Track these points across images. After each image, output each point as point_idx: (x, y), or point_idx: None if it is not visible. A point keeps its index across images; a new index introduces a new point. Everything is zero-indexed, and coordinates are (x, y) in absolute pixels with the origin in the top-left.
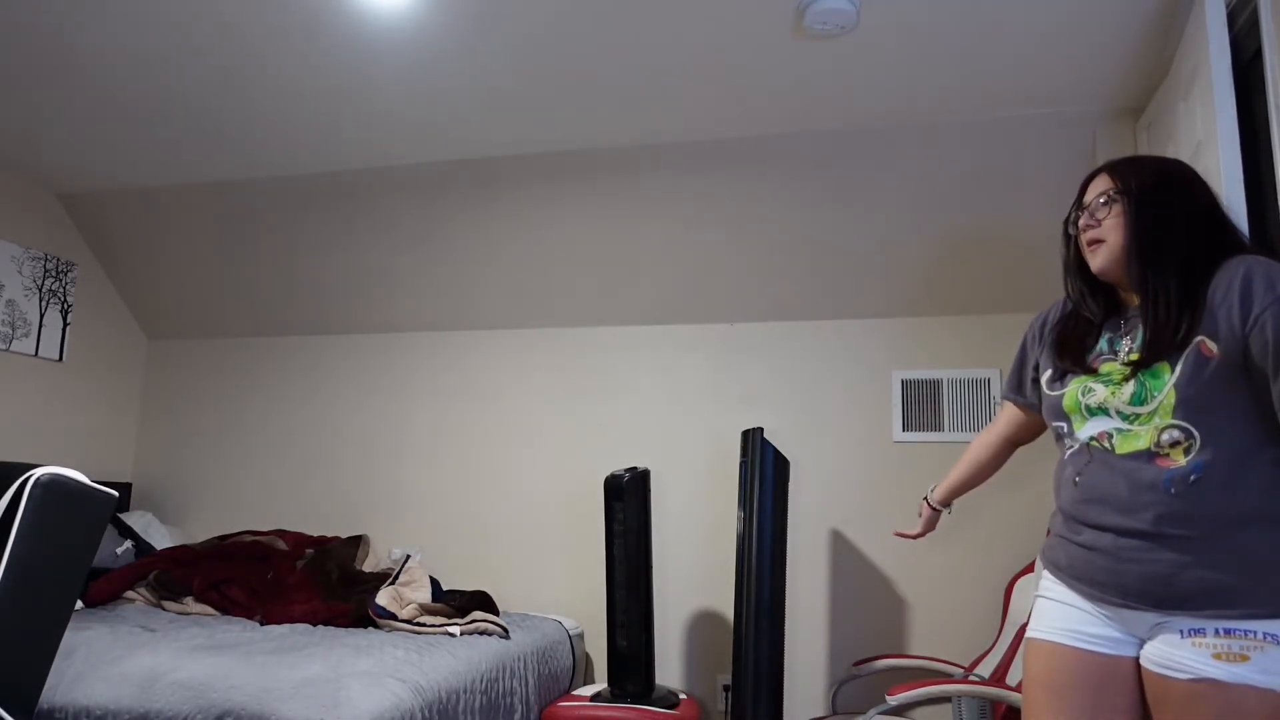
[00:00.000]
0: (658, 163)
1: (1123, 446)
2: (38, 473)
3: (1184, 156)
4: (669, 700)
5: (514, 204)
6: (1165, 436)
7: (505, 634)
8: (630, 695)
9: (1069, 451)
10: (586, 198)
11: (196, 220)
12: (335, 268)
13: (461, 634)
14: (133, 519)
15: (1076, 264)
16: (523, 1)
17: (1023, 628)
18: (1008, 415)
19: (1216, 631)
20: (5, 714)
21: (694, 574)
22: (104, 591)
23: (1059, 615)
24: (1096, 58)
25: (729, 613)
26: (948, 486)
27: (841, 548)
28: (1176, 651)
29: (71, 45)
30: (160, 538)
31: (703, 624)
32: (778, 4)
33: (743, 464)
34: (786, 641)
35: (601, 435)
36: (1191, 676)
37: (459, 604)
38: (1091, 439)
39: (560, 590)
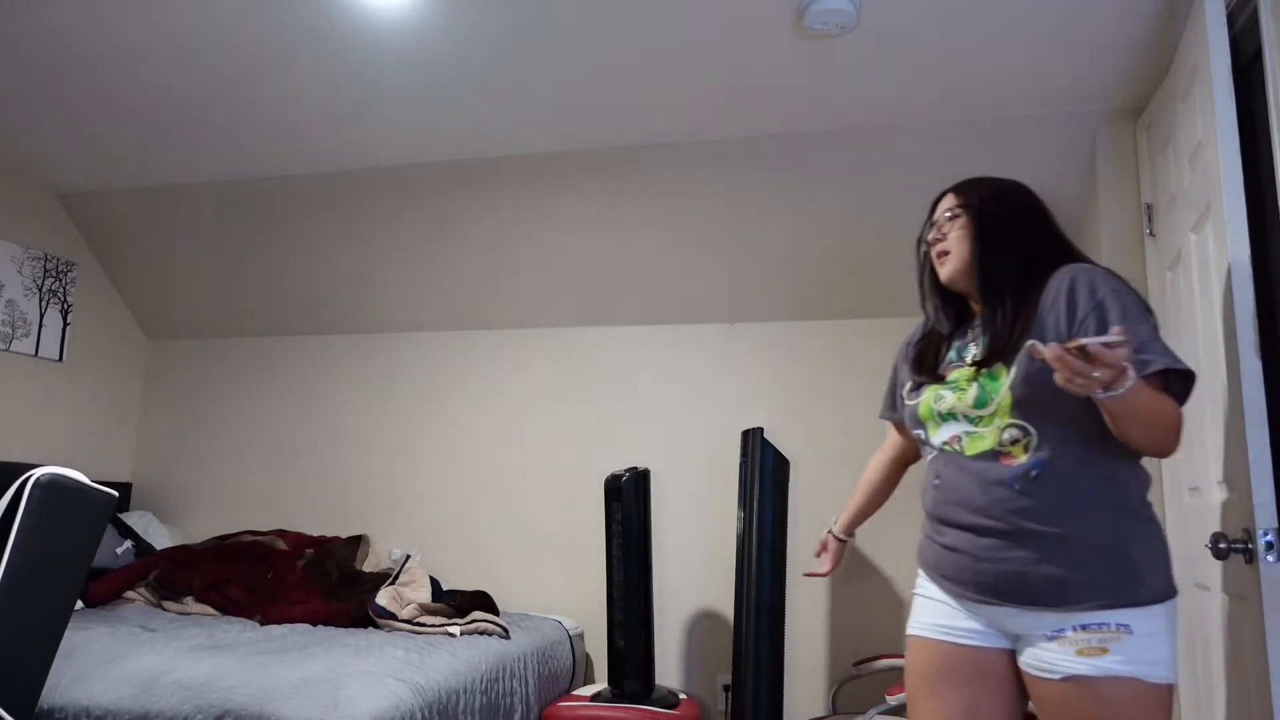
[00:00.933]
0: (657, 163)
1: (971, 448)
2: (38, 473)
3: (1184, 157)
4: (669, 700)
5: (514, 204)
6: (1006, 435)
7: (505, 634)
8: (630, 695)
9: (929, 457)
10: (586, 198)
11: (196, 220)
12: (336, 268)
13: (461, 634)
14: (133, 519)
15: (931, 278)
16: (521, 2)
17: None
18: (892, 436)
19: (1075, 628)
20: (5, 714)
21: (694, 574)
22: (104, 591)
23: (931, 611)
24: (1096, 58)
25: (729, 613)
26: (848, 518)
27: None
28: (1045, 653)
29: (71, 46)
30: (160, 538)
31: (703, 624)
32: (778, 4)
33: (743, 464)
34: (786, 641)
35: (601, 435)
36: (1061, 676)
37: (459, 604)
38: (945, 444)
39: (560, 590)
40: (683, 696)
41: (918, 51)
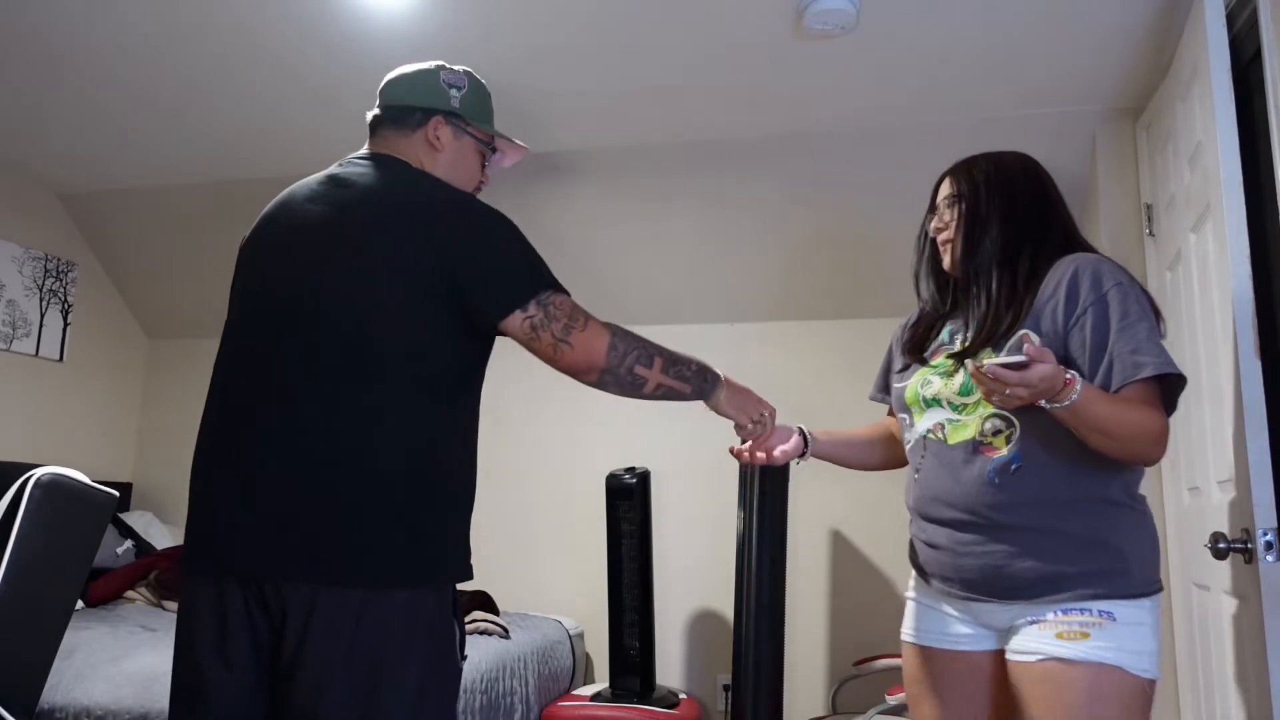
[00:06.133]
0: (656, 163)
1: (953, 437)
2: (38, 473)
3: (1183, 157)
4: (669, 700)
5: (511, 204)
6: (988, 425)
7: (505, 634)
8: (630, 695)
9: (909, 446)
10: (584, 198)
11: (196, 220)
12: None
13: None
14: (133, 519)
15: (931, 262)
16: (518, 3)
17: None
18: (888, 421)
19: (1057, 612)
20: (5, 714)
21: (694, 574)
22: (104, 591)
23: (921, 616)
24: (1096, 58)
25: (729, 613)
26: (827, 434)
27: (841, 548)
28: (1026, 638)
29: (71, 45)
30: (160, 538)
31: (703, 624)
32: (778, 4)
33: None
34: (786, 641)
35: (601, 435)
36: (1040, 657)
37: (459, 604)
38: (928, 431)
39: (560, 590)
40: (683, 696)
41: (918, 51)
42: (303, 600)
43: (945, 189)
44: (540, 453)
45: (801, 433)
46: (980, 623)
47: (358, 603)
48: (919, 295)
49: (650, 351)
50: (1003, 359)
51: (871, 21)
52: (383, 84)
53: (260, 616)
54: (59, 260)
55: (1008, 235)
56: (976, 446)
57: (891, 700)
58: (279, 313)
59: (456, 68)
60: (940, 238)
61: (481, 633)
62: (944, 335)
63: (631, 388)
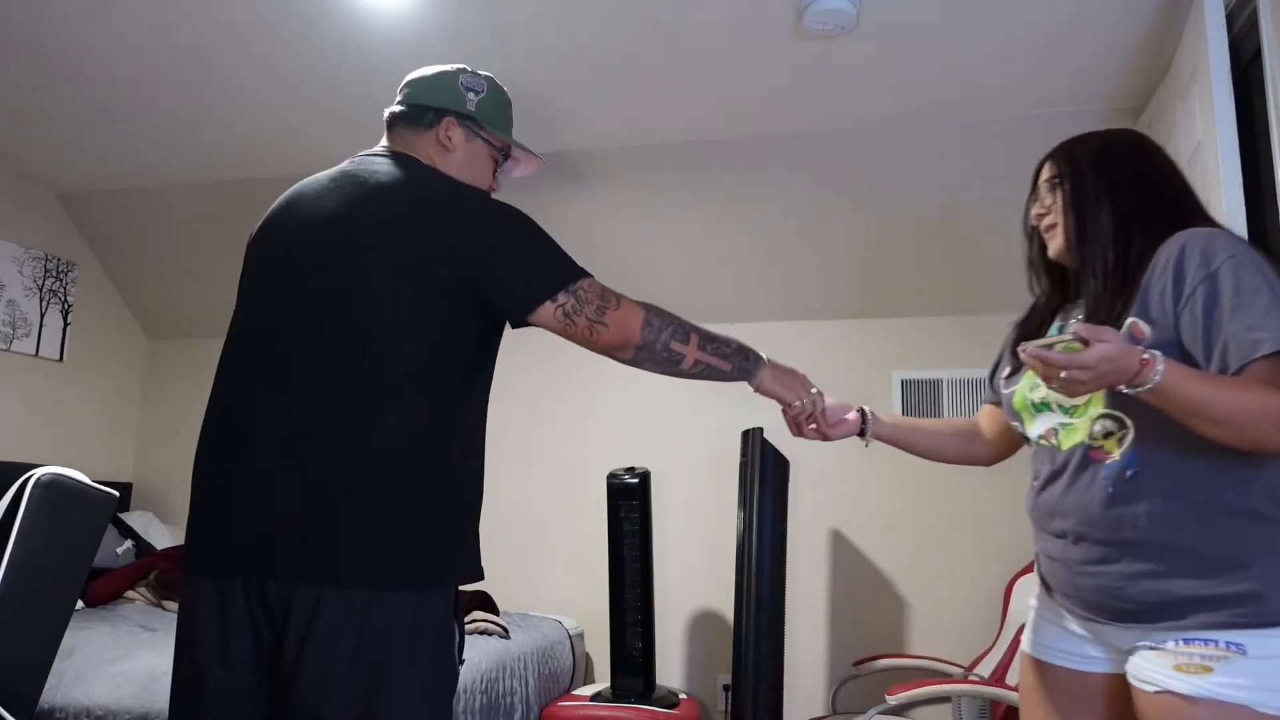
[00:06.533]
0: (656, 163)
1: (1065, 441)
2: (38, 473)
3: (1183, 157)
4: (669, 700)
5: (513, 203)
6: (1098, 427)
7: (505, 634)
8: (631, 695)
9: (1031, 453)
10: (583, 198)
11: (197, 220)
12: None
13: None
14: (133, 519)
15: (1040, 254)
16: (519, 3)
17: (1022, 627)
18: (981, 416)
19: (1178, 640)
20: (5, 714)
21: (694, 574)
22: (104, 591)
23: (1040, 629)
24: (1096, 58)
25: (729, 613)
26: (895, 418)
27: (841, 548)
28: (1145, 663)
29: (71, 46)
30: (160, 538)
31: (703, 624)
32: (778, 4)
33: (743, 464)
34: (786, 641)
35: (601, 435)
36: (1156, 689)
37: (460, 605)
38: (1040, 437)
39: (561, 590)
40: (683, 696)
41: (918, 51)
42: (306, 600)
43: (1045, 172)
44: (541, 453)
45: (862, 412)
46: (1104, 642)
47: (362, 603)
48: (1033, 289)
49: (686, 328)
50: (1046, 339)
51: (871, 21)
52: (403, 82)
53: (262, 616)
54: (59, 260)
55: (1117, 214)
56: (1087, 451)
57: (891, 700)
58: (283, 312)
59: (480, 72)
60: (1043, 224)
61: (481, 633)
62: (1053, 330)
63: (668, 364)
